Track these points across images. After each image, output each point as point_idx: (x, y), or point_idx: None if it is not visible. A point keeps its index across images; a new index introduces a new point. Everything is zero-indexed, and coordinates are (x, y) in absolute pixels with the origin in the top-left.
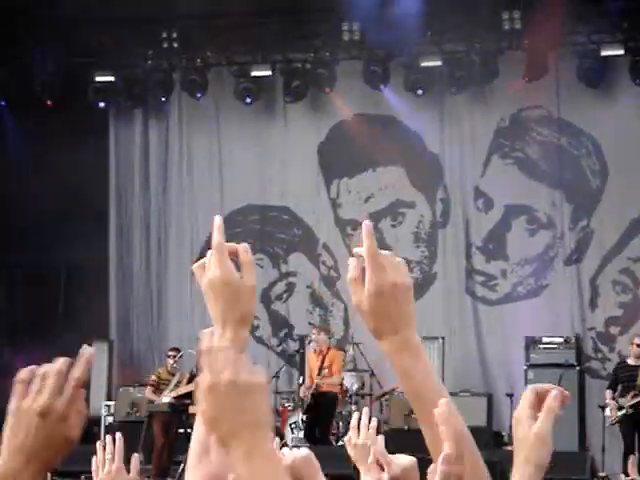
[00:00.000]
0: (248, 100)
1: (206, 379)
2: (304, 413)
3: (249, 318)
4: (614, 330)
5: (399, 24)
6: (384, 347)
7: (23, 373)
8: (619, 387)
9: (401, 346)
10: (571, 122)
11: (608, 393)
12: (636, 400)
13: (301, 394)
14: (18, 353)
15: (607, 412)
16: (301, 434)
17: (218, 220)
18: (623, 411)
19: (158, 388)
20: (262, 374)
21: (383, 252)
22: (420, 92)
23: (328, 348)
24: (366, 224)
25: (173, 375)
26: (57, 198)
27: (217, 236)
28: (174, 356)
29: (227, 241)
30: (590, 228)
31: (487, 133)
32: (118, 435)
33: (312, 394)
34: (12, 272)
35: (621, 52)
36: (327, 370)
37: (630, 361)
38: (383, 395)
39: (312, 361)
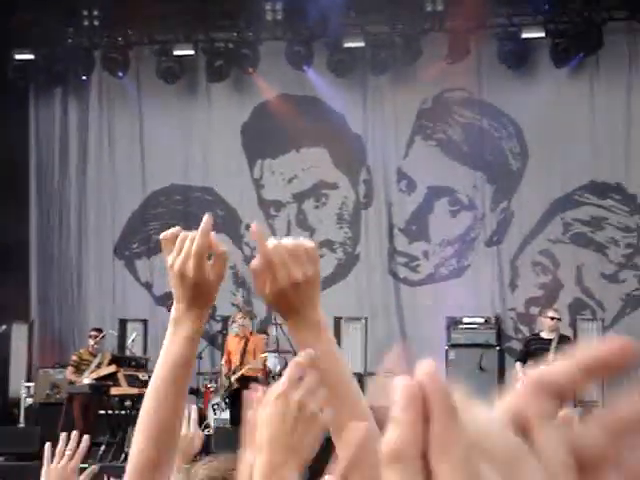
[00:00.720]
0: (170, 80)
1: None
2: (225, 397)
3: (210, 303)
4: (534, 310)
5: (322, 4)
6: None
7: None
8: (530, 361)
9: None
10: (492, 104)
11: (518, 365)
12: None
13: (222, 381)
14: None
15: (518, 386)
16: (224, 415)
17: (207, 219)
18: None
19: (79, 369)
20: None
21: (287, 241)
22: (343, 73)
23: (251, 333)
24: (253, 228)
25: (94, 356)
26: None
27: (201, 238)
28: (96, 336)
29: (149, 221)
30: (510, 210)
31: (410, 115)
32: (86, 437)
33: (236, 379)
34: None
35: (542, 34)
36: (250, 355)
37: (544, 334)
38: None
39: (232, 344)
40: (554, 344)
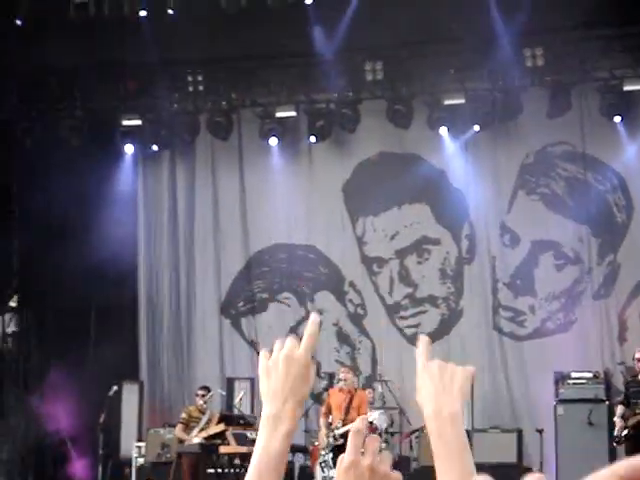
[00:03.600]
0: (273, 141)
1: (347, 457)
2: (332, 452)
3: (306, 397)
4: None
5: (421, 62)
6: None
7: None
8: (630, 404)
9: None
10: (596, 157)
11: (619, 409)
12: (636, 419)
13: (324, 437)
14: (49, 395)
15: (615, 431)
16: (332, 472)
17: (316, 319)
18: (626, 431)
19: (188, 426)
20: (399, 476)
21: (434, 364)
22: (444, 129)
23: (355, 389)
24: (423, 341)
25: (203, 414)
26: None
27: (310, 338)
28: (203, 395)
29: (254, 279)
30: (617, 262)
31: (512, 169)
32: None
33: (340, 434)
34: (43, 313)
35: None
36: (355, 411)
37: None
38: (413, 432)
39: (335, 398)
40: None
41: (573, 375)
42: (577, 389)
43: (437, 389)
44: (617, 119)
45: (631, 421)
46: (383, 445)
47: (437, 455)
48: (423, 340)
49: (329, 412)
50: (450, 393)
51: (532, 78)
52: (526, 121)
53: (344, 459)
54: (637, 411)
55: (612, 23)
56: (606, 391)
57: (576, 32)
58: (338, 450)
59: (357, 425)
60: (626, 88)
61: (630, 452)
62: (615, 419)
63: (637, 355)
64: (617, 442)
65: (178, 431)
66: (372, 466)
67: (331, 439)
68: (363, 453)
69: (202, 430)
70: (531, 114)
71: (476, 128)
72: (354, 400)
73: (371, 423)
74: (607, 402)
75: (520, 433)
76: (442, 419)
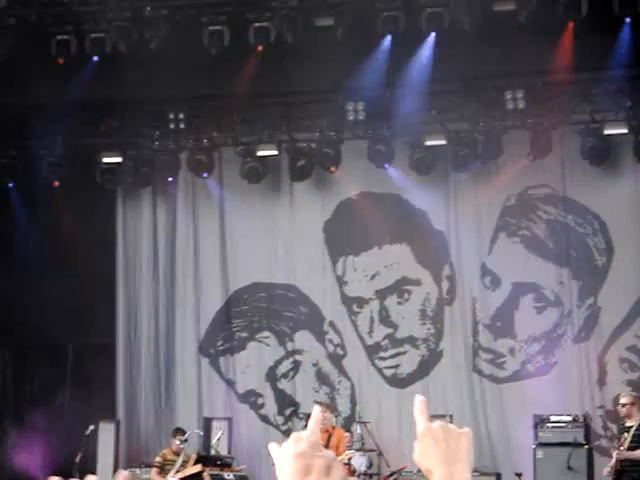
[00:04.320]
0: (254, 179)
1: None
2: None
3: None
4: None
5: (403, 103)
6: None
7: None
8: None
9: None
10: (576, 200)
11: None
12: (614, 464)
13: None
14: (25, 432)
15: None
16: None
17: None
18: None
19: (163, 469)
20: None
21: (438, 428)
22: (425, 170)
23: (333, 427)
24: (417, 399)
25: (178, 455)
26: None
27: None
28: (179, 438)
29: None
30: (597, 305)
31: (493, 211)
32: None
33: None
34: (20, 352)
35: (625, 130)
36: (333, 450)
37: (627, 422)
38: (391, 475)
39: None
40: (632, 430)
41: (552, 418)
42: (556, 432)
43: (446, 455)
44: (597, 162)
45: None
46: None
47: None
48: (419, 400)
49: None
50: (460, 460)
51: (513, 120)
52: (507, 163)
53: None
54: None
55: (593, 67)
56: (585, 435)
57: (557, 75)
58: None
59: (299, 448)
60: (606, 132)
61: None
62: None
63: (622, 400)
64: None
65: (153, 475)
66: (443, 426)
67: None
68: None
69: (178, 472)
70: (512, 156)
71: (457, 169)
72: (332, 439)
73: (349, 464)
74: (587, 446)
75: (499, 477)
76: None
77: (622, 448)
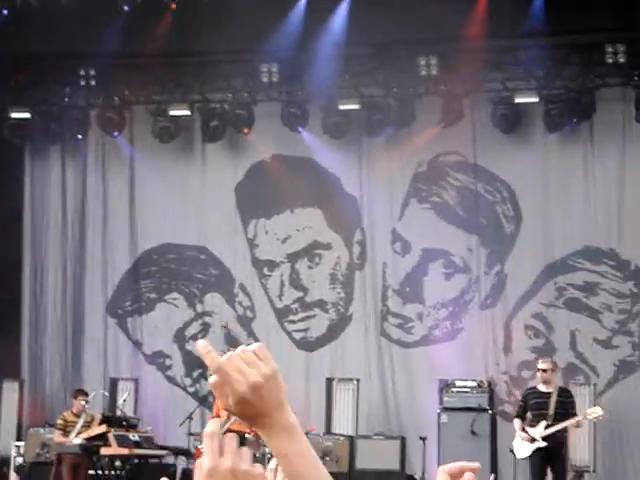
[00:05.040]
0: (165, 139)
1: (206, 463)
2: None
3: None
4: (526, 374)
5: (317, 67)
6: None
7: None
8: (528, 415)
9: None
10: (486, 168)
11: (517, 422)
12: (549, 431)
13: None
14: None
15: (516, 443)
16: None
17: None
18: (536, 444)
19: (65, 431)
20: (261, 469)
21: (239, 350)
22: (338, 135)
23: None
24: (198, 345)
25: (79, 417)
26: None
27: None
28: (81, 398)
29: (142, 279)
30: (504, 273)
31: (405, 177)
32: None
33: (222, 433)
34: None
35: (535, 99)
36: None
37: (541, 387)
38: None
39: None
40: (554, 397)
41: (457, 383)
42: (461, 397)
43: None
44: (508, 130)
45: (543, 432)
46: (267, 450)
47: None
48: (203, 349)
49: (217, 414)
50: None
51: (426, 87)
52: (419, 129)
53: (202, 466)
54: (543, 421)
55: (506, 35)
56: (489, 400)
57: (470, 42)
58: None
59: (210, 428)
60: (517, 100)
61: (538, 463)
62: (518, 434)
63: (541, 365)
64: (525, 457)
65: (56, 437)
66: (233, 467)
67: None
68: (222, 455)
69: (79, 433)
70: (424, 123)
71: (370, 134)
72: None
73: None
74: (490, 411)
75: (403, 440)
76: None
77: (549, 413)
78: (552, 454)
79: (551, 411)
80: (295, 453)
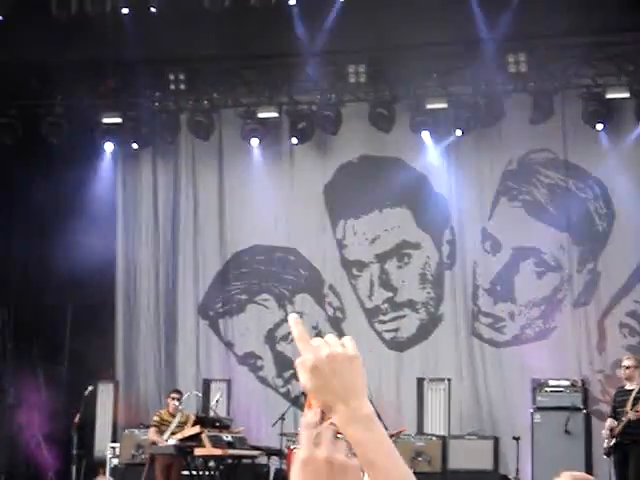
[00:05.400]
0: (254, 141)
1: (302, 453)
2: None
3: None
4: (621, 373)
5: (404, 66)
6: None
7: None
8: (617, 412)
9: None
10: (578, 165)
11: (608, 422)
12: (620, 427)
13: None
14: (25, 395)
15: (604, 443)
16: None
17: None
18: (613, 440)
19: (160, 429)
20: (356, 461)
21: (327, 337)
22: (426, 133)
23: None
24: (291, 317)
25: (174, 416)
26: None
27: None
28: (174, 398)
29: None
30: (597, 271)
31: (494, 175)
32: None
33: None
34: (20, 311)
35: (627, 95)
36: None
37: (627, 385)
38: (389, 437)
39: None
40: (634, 394)
41: (551, 383)
42: (555, 397)
43: (344, 389)
44: (599, 127)
45: (616, 430)
46: (339, 435)
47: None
48: (294, 321)
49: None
50: (358, 393)
51: (515, 84)
52: (508, 127)
53: (298, 455)
54: (622, 418)
55: (595, 31)
56: (583, 400)
57: (559, 39)
58: None
59: (307, 419)
60: (608, 96)
61: (618, 460)
62: (603, 431)
63: (625, 362)
64: (606, 454)
65: (151, 434)
66: (329, 457)
67: None
68: (318, 445)
69: (174, 433)
70: (513, 120)
71: (458, 133)
72: None
73: None
74: (584, 411)
75: (497, 440)
76: (363, 422)
77: (626, 410)
78: (628, 450)
79: (628, 408)
80: (371, 441)
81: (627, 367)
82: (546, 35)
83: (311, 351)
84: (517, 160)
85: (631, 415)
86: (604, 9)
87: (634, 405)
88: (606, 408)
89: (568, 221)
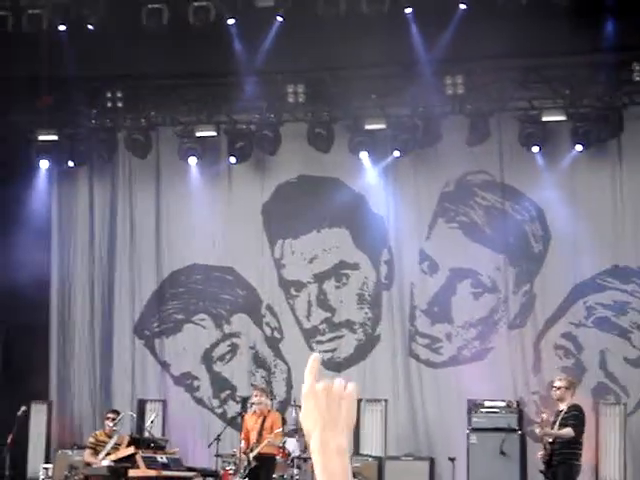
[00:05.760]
0: (192, 160)
1: (304, 389)
2: (244, 477)
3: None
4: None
5: (343, 86)
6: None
7: None
8: None
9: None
10: (514, 187)
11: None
12: (543, 451)
13: (241, 459)
14: None
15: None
16: None
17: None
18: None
19: (96, 450)
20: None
21: (321, 389)
22: (364, 154)
23: (269, 411)
24: (314, 355)
25: (110, 437)
26: None
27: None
28: (113, 418)
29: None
30: (533, 292)
31: (432, 197)
32: None
33: (254, 457)
34: None
35: (562, 118)
36: (267, 432)
37: (559, 407)
38: None
39: (250, 422)
40: (561, 415)
41: (486, 404)
42: (490, 418)
43: (325, 420)
44: (535, 149)
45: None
46: (295, 471)
47: None
48: (313, 359)
49: (247, 436)
50: (338, 425)
51: (452, 106)
52: (446, 149)
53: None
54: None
55: (532, 54)
56: (519, 420)
57: (496, 61)
58: (253, 473)
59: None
60: (544, 118)
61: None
62: (539, 453)
63: (556, 383)
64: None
65: (87, 456)
66: (326, 386)
67: (245, 462)
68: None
69: (109, 454)
70: (451, 142)
71: (396, 154)
72: (267, 421)
73: (283, 448)
74: (519, 432)
75: (433, 461)
76: (329, 452)
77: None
78: (557, 470)
79: (556, 427)
80: (340, 475)
81: (558, 388)
82: (483, 58)
83: (311, 381)
84: (454, 182)
85: (537, 430)
86: (541, 33)
87: (560, 426)
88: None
89: (505, 243)
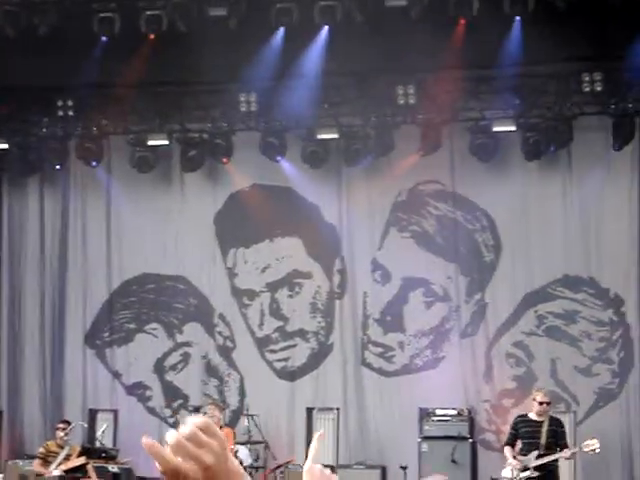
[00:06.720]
0: (144, 169)
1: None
2: None
3: None
4: (507, 402)
5: (296, 96)
6: None
7: None
8: (519, 443)
9: None
10: (466, 197)
11: (507, 450)
12: (542, 461)
13: None
14: None
15: (506, 472)
16: None
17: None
18: (527, 472)
19: (46, 461)
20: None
21: (180, 432)
22: (317, 164)
23: (221, 427)
24: (144, 442)
25: (62, 448)
26: None
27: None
28: (64, 428)
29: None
30: (484, 301)
31: (384, 206)
32: None
33: None
34: None
35: (513, 128)
36: None
37: (532, 416)
38: (277, 467)
39: None
40: (546, 426)
41: (438, 412)
42: (441, 426)
43: None
44: (486, 159)
45: (535, 462)
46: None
47: None
48: (318, 435)
49: None
50: None
51: (404, 116)
52: (398, 158)
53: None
54: (533, 449)
55: (483, 64)
56: (470, 429)
57: (447, 72)
58: None
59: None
60: (495, 129)
61: None
62: (509, 462)
63: (542, 399)
64: None
65: (36, 466)
66: (321, 469)
67: None
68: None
69: (61, 464)
70: (403, 152)
71: (349, 163)
72: None
73: (236, 458)
74: (471, 440)
75: (384, 469)
76: None
77: (540, 443)
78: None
79: (542, 440)
80: None
81: (547, 403)
82: (434, 68)
83: (311, 460)
84: (406, 191)
85: (577, 450)
86: (491, 43)
87: (548, 438)
88: (492, 437)
89: (456, 252)
